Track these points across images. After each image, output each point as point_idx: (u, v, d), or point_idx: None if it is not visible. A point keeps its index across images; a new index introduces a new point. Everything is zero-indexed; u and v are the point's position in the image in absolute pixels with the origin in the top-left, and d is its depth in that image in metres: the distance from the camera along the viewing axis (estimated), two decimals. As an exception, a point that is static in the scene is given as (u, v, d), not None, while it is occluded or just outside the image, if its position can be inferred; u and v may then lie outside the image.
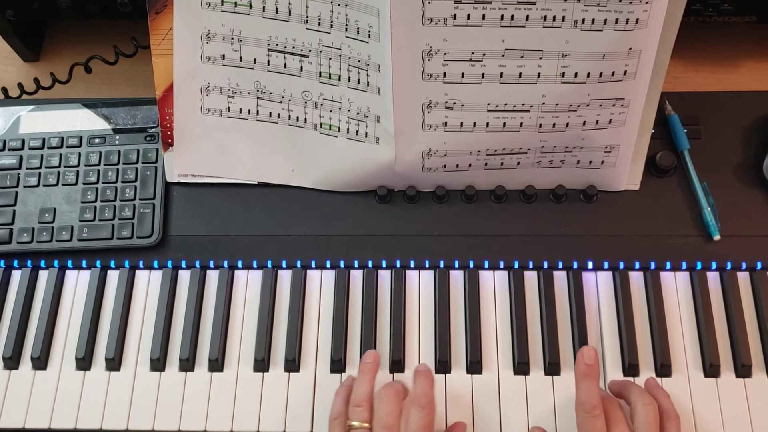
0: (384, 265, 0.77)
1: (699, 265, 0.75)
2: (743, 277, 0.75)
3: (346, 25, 0.71)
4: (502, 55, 0.69)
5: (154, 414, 0.72)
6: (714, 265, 0.75)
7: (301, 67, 0.74)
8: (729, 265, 0.75)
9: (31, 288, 0.78)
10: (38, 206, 0.79)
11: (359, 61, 0.72)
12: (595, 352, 0.66)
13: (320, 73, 0.74)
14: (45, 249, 0.78)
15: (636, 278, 0.75)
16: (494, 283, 0.76)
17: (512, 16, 0.67)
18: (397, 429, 0.64)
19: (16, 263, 0.79)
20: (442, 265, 0.76)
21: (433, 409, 0.65)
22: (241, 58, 0.75)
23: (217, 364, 0.73)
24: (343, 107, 0.75)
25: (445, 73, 0.70)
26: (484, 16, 0.67)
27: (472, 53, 0.69)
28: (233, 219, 0.79)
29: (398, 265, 0.76)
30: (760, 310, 0.74)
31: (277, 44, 0.74)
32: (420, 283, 0.76)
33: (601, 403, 0.64)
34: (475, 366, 0.72)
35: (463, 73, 0.70)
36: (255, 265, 0.77)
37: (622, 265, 0.75)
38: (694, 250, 0.76)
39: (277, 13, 0.72)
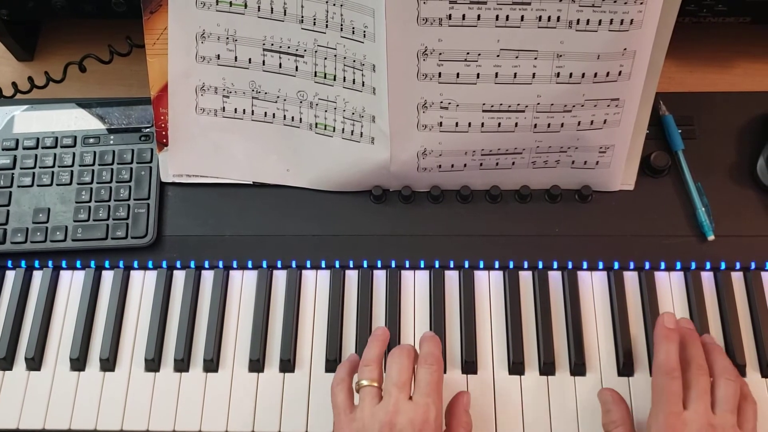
0: (379, 265, 0.77)
1: (693, 265, 0.76)
2: (737, 277, 0.75)
3: (342, 25, 0.70)
4: (497, 56, 0.69)
5: (148, 414, 0.72)
6: (708, 265, 0.75)
7: (297, 67, 0.74)
8: (723, 265, 0.75)
9: (25, 288, 0.77)
10: (32, 206, 0.79)
11: (354, 61, 0.72)
12: (675, 317, 0.67)
13: (315, 73, 0.74)
14: (39, 249, 0.78)
15: (631, 278, 0.76)
16: (489, 283, 0.76)
17: (507, 17, 0.67)
18: (409, 386, 0.64)
19: (9, 263, 0.78)
20: (437, 265, 0.76)
21: (440, 366, 0.66)
22: (236, 57, 0.75)
23: (212, 365, 0.73)
24: (339, 107, 0.75)
25: (440, 73, 0.70)
26: (479, 16, 0.67)
27: (467, 53, 0.69)
28: (228, 219, 0.79)
29: (393, 266, 0.76)
30: (753, 309, 0.74)
31: (272, 44, 0.74)
32: (415, 283, 0.76)
33: (679, 366, 0.64)
34: (470, 366, 0.72)
35: (458, 73, 0.70)
36: (250, 266, 0.77)
37: (616, 265, 0.76)
38: (688, 250, 0.76)
39: (272, 12, 0.72)
